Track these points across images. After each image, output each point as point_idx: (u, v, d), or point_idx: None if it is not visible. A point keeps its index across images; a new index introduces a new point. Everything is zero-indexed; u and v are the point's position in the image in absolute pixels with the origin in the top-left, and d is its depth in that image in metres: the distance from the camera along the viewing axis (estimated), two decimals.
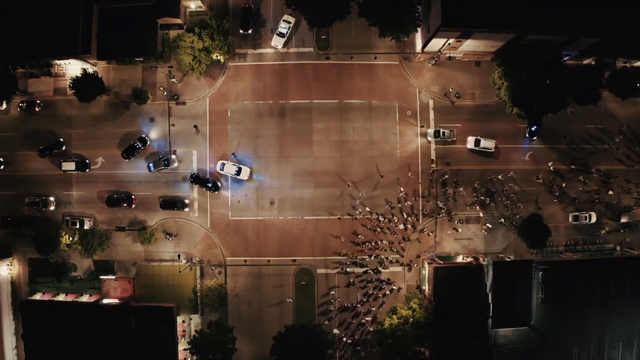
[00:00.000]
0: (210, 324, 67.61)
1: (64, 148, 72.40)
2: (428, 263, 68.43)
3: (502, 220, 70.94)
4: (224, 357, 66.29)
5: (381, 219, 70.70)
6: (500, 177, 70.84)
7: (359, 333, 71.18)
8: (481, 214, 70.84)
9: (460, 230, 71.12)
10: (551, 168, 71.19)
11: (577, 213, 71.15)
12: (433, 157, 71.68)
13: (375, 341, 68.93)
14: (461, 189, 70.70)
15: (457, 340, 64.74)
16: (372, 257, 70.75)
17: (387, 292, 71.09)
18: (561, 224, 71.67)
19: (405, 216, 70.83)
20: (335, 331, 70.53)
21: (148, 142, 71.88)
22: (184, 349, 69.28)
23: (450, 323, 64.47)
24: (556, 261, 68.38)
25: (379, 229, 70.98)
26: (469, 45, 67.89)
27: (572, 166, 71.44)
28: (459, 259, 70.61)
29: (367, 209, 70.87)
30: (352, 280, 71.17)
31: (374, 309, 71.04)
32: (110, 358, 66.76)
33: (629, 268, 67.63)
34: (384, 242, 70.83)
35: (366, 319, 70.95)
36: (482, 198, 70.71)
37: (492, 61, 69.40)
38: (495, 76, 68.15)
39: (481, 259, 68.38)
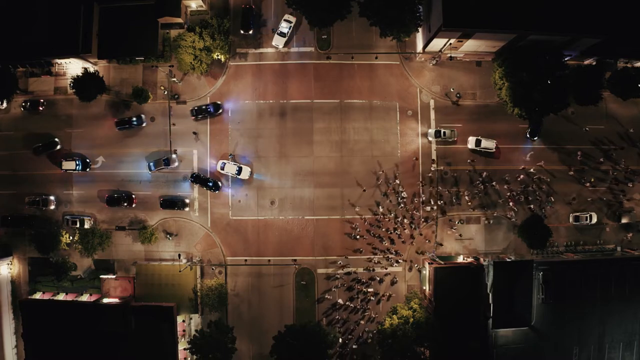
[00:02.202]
0: (210, 323, 67.57)
1: (144, 125, 71.93)
2: (428, 263, 68.41)
3: (531, 206, 71.04)
4: (224, 357, 66.23)
5: (404, 194, 70.66)
6: (532, 170, 70.90)
7: (359, 301, 71.02)
8: (511, 204, 70.92)
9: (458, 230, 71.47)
10: (579, 158, 71.33)
11: (577, 213, 71.17)
12: (434, 157, 71.68)
13: (375, 341, 68.93)
14: (494, 182, 70.82)
15: (457, 341, 64.70)
16: (388, 231, 71.11)
17: (394, 264, 70.93)
18: (562, 224, 71.66)
19: (432, 201, 71.15)
20: (340, 301, 70.70)
21: (220, 111, 71.56)
22: (184, 349, 69.26)
23: (451, 323, 64.45)
24: (557, 261, 68.33)
25: (402, 205, 70.97)
26: (470, 45, 67.88)
27: (601, 160, 71.58)
28: (460, 259, 70.57)
29: (399, 183, 70.82)
30: (360, 248, 71.25)
31: (378, 278, 71.03)
32: (110, 357, 66.69)
33: (629, 268, 67.61)
34: (405, 220, 70.98)
35: (369, 289, 70.82)
36: (515, 194, 70.75)
37: (493, 61, 69.42)
38: (496, 76, 68.13)
39: (481, 259, 68.30)
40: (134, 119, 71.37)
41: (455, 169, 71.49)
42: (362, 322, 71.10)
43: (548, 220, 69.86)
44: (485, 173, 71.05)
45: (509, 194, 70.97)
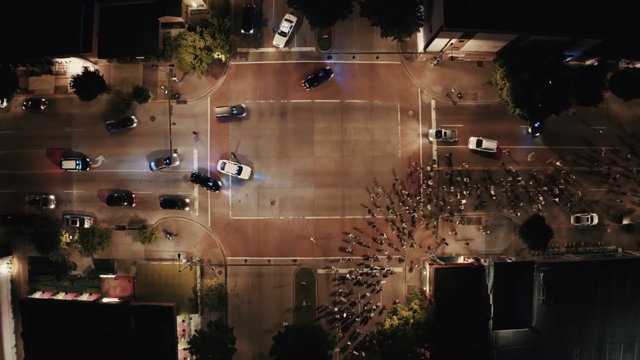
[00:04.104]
0: (210, 323, 67.44)
1: (244, 114, 71.47)
2: (429, 264, 68.27)
3: (557, 199, 71.18)
4: (224, 357, 66.12)
5: (431, 182, 70.82)
6: (559, 163, 71.00)
7: (358, 275, 71.06)
8: (541, 198, 71.00)
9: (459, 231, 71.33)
10: (603, 154, 71.32)
11: (579, 214, 71.01)
12: (435, 157, 71.54)
13: (375, 341, 68.79)
14: (520, 177, 70.84)
15: (457, 342, 64.56)
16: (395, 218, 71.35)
17: (405, 242, 71.12)
18: (563, 225, 71.50)
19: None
20: (348, 276, 70.60)
21: (332, 74, 71.26)
22: (184, 349, 69.16)
23: (451, 324, 64.32)
24: (557, 262, 68.16)
25: (429, 190, 71.10)
26: (471, 45, 67.72)
27: (629, 156, 71.59)
28: (460, 260, 70.41)
29: (429, 170, 70.93)
30: (374, 223, 71.28)
31: (386, 252, 71.10)
32: (110, 357, 66.52)
33: (630, 270, 67.44)
34: (429, 206, 70.94)
35: (374, 265, 70.84)
36: (545, 189, 70.88)
37: (495, 61, 69.23)
38: (497, 77, 67.96)
39: (482, 260, 68.13)
40: (234, 109, 70.98)
41: (476, 168, 71.65)
42: (367, 294, 70.95)
43: (549, 220, 69.57)
44: (514, 170, 71.09)
45: (538, 189, 70.90)
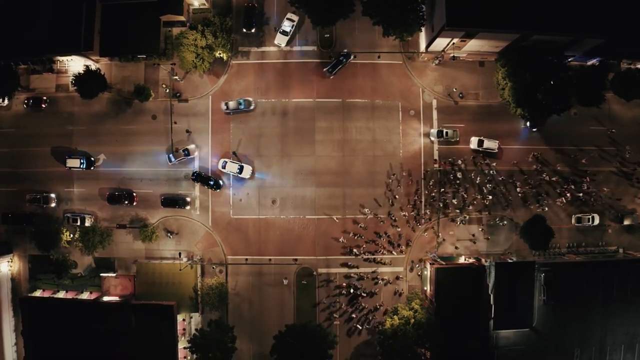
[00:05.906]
0: (210, 322, 67.41)
1: (352, 58, 71.31)
2: (430, 264, 68.23)
3: (580, 194, 71.27)
4: (224, 356, 66.04)
5: (459, 175, 71.06)
6: (584, 161, 71.07)
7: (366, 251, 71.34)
8: (568, 195, 71.13)
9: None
10: (627, 154, 71.38)
11: (580, 215, 70.96)
12: (436, 157, 71.52)
13: (375, 341, 68.79)
14: (544, 174, 70.93)
15: (458, 342, 64.51)
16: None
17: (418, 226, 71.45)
18: (564, 225, 71.46)
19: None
20: (355, 251, 70.78)
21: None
22: (184, 348, 69.09)
23: (452, 324, 64.25)
24: (558, 263, 68.12)
25: (457, 183, 71.40)
26: (473, 45, 67.70)
27: None
28: (461, 260, 70.37)
29: (453, 167, 71.19)
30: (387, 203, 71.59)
31: (397, 236, 71.36)
32: (110, 356, 66.45)
33: (631, 270, 67.38)
34: (455, 200, 71.20)
35: (383, 243, 71.25)
36: (572, 187, 71.04)
37: (496, 61, 69.24)
38: (499, 76, 67.99)
39: (483, 260, 68.12)
40: (342, 57, 70.76)
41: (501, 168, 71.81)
42: (377, 270, 70.98)
43: (550, 220, 69.52)
44: (543, 168, 71.33)
45: (565, 186, 71.05)
